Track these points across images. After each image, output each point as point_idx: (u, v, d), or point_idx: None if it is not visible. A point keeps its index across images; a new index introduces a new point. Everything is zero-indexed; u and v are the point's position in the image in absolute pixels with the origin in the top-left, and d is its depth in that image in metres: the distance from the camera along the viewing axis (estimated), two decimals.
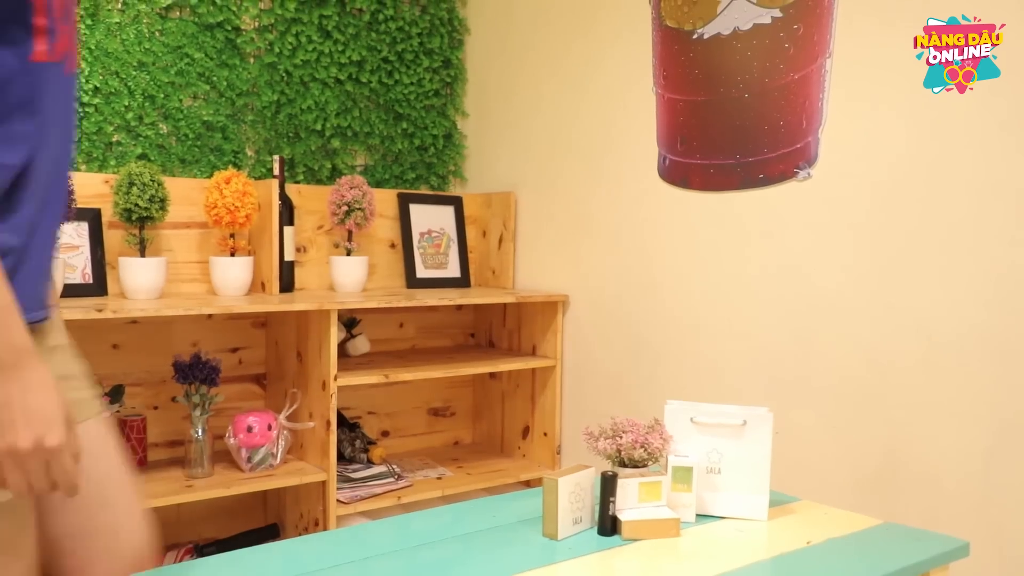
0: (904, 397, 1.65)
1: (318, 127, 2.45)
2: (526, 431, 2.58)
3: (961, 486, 1.56)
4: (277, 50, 2.38)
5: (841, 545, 1.13)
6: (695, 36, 2.01)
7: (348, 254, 2.34)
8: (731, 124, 1.94)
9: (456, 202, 2.67)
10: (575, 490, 1.14)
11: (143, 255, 2.00)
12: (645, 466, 1.18)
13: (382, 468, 2.30)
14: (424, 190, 2.71)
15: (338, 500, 2.08)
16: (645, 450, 1.18)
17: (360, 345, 2.41)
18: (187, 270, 2.17)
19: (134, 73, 2.16)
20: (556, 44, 2.44)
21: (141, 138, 2.18)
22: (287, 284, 2.23)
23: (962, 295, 1.56)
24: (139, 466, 2.08)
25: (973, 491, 1.54)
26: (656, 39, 2.12)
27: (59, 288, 1.81)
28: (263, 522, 2.31)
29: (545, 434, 2.51)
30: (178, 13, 2.23)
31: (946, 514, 1.57)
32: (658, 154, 2.13)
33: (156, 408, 2.14)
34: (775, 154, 1.86)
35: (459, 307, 2.73)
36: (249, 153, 2.35)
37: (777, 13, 1.83)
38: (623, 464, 1.18)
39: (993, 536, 1.51)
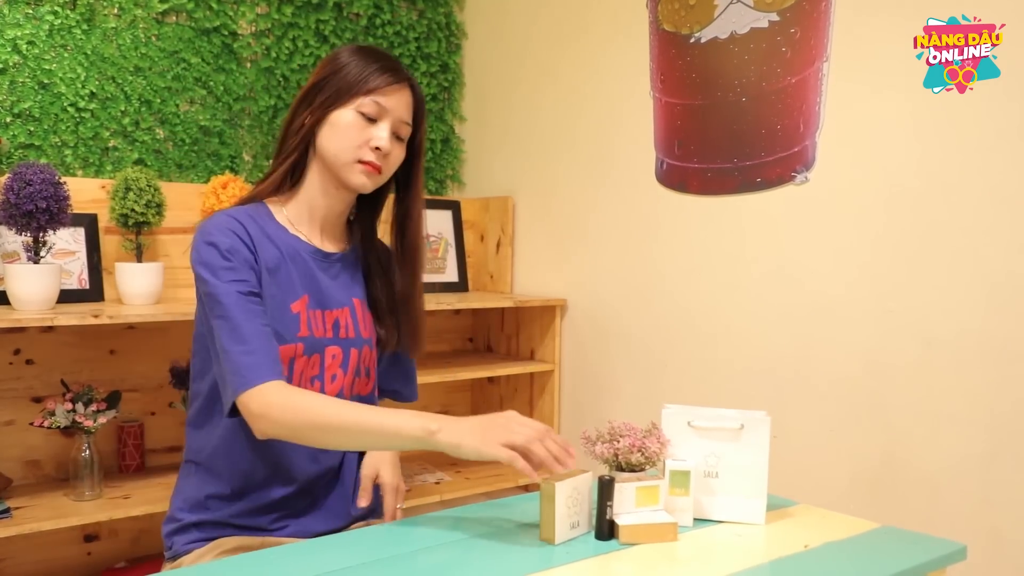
0: (902, 401, 1.64)
1: None
2: None
3: (959, 490, 1.56)
4: (274, 55, 2.38)
5: (839, 549, 1.13)
6: (692, 40, 2.01)
7: None
8: (728, 128, 1.94)
9: (454, 207, 2.67)
10: (572, 494, 1.14)
11: (140, 260, 2.00)
12: (643, 470, 1.18)
13: None
14: None
15: None
16: (642, 454, 1.17)
17: None
18: (184, 275, 2.16)
19: (130, 78, 2.16)
20: (554, 48, 2.44)
21: (138, 143, 2.18)
22: None
23: (960, 298, 1.56)
24: (137, 472, 2.08)
25: (970, 495, 1.54)
26: (653, 43, 2.12)
27: (55, 294, 1.81)
28: None
29: None
30: (174, 18, 2.23)
31: (944, 518, 1.57)
32: (656, 158, 2.13)
33: (153, 414, 2.14)
34: (772, 158, 1.86)
35: (457, 312, 2.73)
36: (246, 158, 2.35)
37: (774, 17, 1.83)
38: (620, 468, 1.18)
39: (990, 539, 1.51)
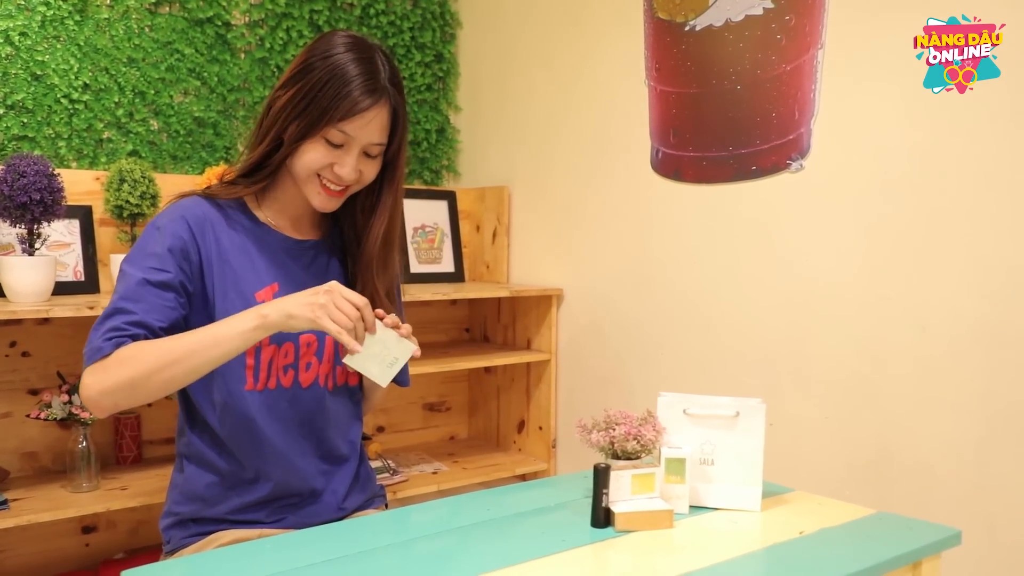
0: (897, 388, 1.65)
1: None
2: (521, 425, 2.58)
3: (953, 476, 1.56)
4: (268, 45, 2.37)
5: (834, 535, 1.14)
6: (687, 28, 2.00)
7: None
8: (724, 116, 1.94)
9: (449, 197, 2.66)
10: (370, 346, 1.19)
11: None
12: (638, 458, 1.18)
13: (378, 463, 2.30)
14: (417, 185, 2.71)
15: None
16: (638, 442, 1.18)
17: None
18: None
19: (124, 69, 2.15)
20: (548, 38, 2.43)
21: (132, 134, 2.17)
22: None
23: (956, 285, 1.56)
24: (134, 463, 2.08)
25: (965, 481, 1.55)
26: (648, 31, 2.12)
27: (50, 286, 1.81)
28: None
29: (540, 428, 2.51)
30: (168, 8, 2.22)
31: (939, 503, 1.58)
32: (651, 147, 2.13)
33: (150, 405, 2.14)
34: (767, 145, 1.86)
35: (453, 302, 2.73)
36: (240, 149, 2.34)
37: (769, 4, 1.83)
38: (616, 456, 1.18)
39: (985, 525, 1.51)
